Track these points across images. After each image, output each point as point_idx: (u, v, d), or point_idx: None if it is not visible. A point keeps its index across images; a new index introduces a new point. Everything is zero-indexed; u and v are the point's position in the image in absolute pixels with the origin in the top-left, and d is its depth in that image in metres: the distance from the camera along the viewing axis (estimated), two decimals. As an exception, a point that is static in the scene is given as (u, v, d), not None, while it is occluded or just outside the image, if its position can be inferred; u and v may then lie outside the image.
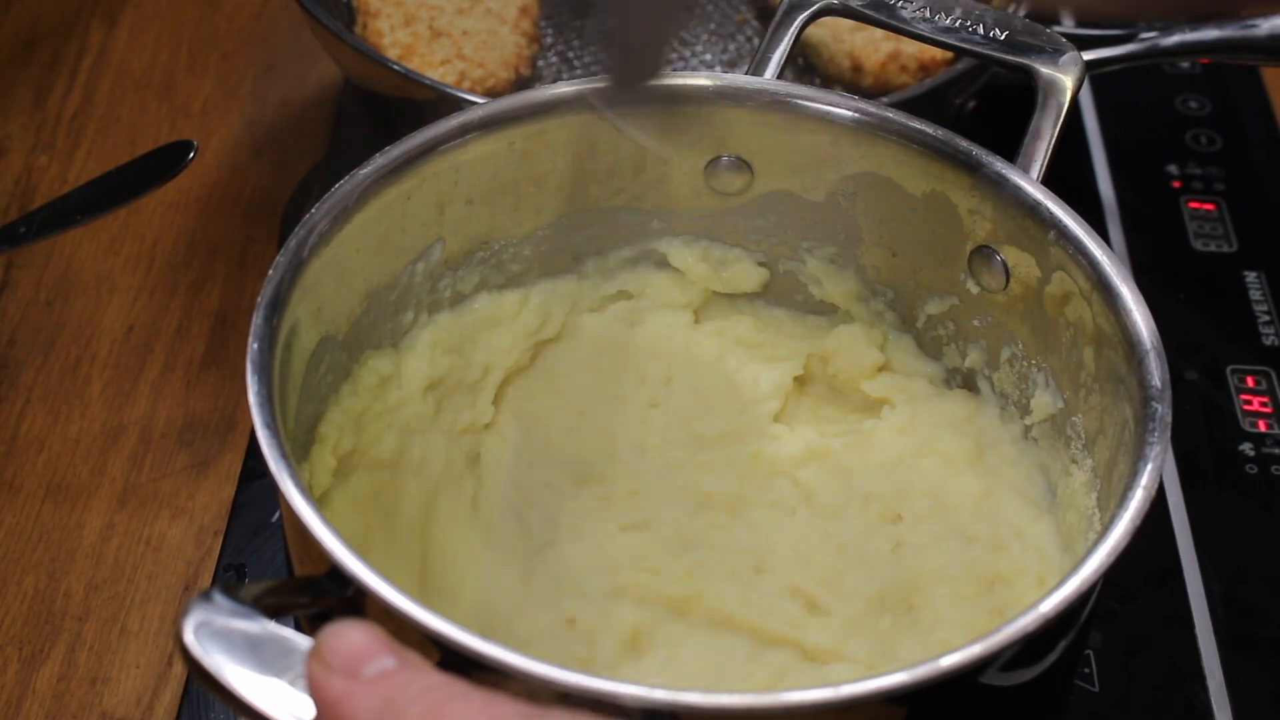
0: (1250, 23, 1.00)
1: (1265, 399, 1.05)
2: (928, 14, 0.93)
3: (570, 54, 1.21)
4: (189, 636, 0.60)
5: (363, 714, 0.56)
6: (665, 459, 0.89)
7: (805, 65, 1.18)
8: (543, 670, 0.62)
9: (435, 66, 1.12)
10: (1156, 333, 0.76)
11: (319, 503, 0.78)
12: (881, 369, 0.93)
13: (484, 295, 0.92)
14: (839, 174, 0.89)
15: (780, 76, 0.91)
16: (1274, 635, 0.94)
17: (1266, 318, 1.10)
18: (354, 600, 0.66)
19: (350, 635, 0.58)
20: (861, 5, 0.94)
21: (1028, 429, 0.87)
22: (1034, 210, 0.82)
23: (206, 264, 1.13)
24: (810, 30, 0.96)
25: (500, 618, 0.81)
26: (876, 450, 0.89)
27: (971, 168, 0.84)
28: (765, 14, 1.23)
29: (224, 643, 0.60)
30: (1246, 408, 1.05)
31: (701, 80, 0.89)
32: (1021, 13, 1.03)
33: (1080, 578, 0.68)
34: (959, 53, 0.94)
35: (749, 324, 0.94)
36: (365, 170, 0.82)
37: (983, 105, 1.12)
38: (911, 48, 1.12)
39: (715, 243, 0.94)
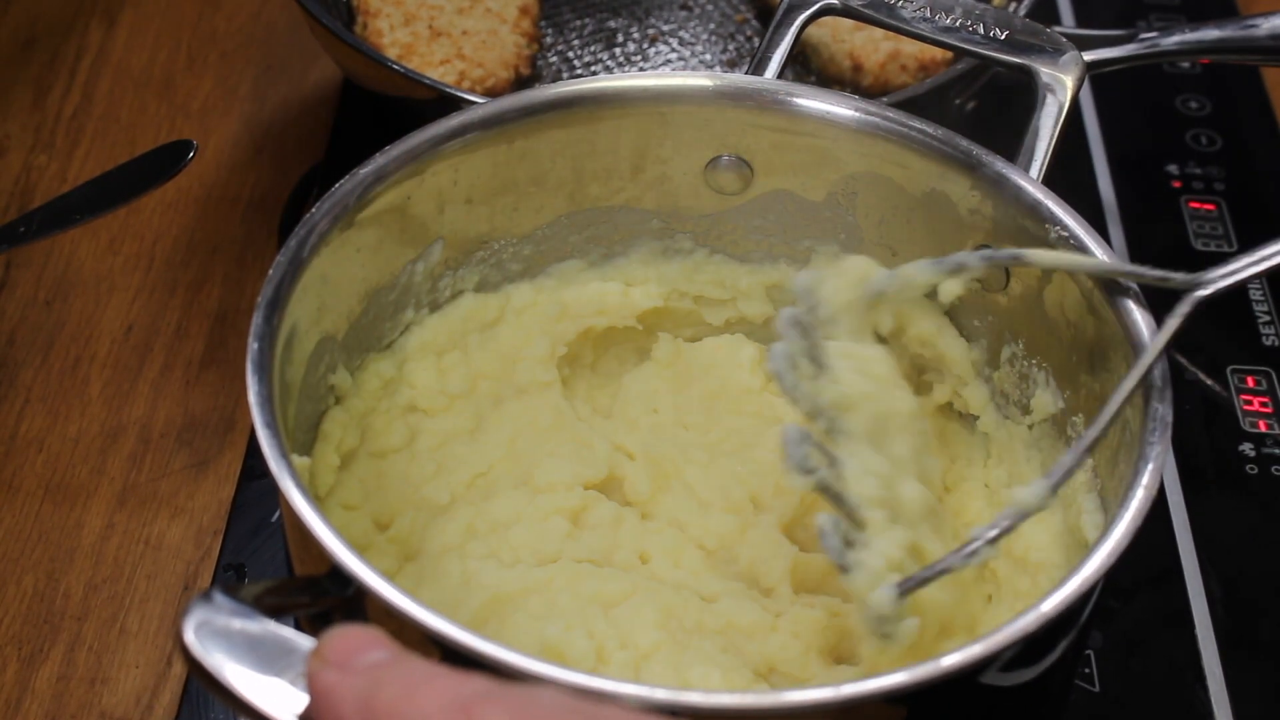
0: (1250, 23, 1.00)
1: (1265, 399, 1.05)
2: (928, 14, 0.93)
3: (570, 54, 1.21)
4: (189, 636, 0.60)
5: (348, 701, 0.57)
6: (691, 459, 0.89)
7: (805, 65, 1.18)
8: (543, 669, 0.62)
9: (435, 66, 1.12)
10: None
11: (320, 502, 0.78)
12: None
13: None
14: (839, 173, 0.89)
15: (780, 76, 0.91)
16: (1274, 635, 0.94)
17: (1266, 318, 1.10)
18: (354, 600, 0.66)
19: (350, 633, 0.59)
20: (862, 5, 0.94)
21: (1028, 429, 0.87)
22: (1034, 210, 0.82)
23: (206, 263, 1.13)
24: (810, 30, 0.96)
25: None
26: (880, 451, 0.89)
27: (971, 167, 0.84)
28: (765, 14, 1.23)
29: (224, 642, 0.60)
30: (1247, 408, 1.05)
31: (702, 80, 0.89)
32: (1022, 12, 1.03)
33: (1081, 577, 0.68)
34: (959, 52, 0.94)
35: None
36: (365, 170, 0.82)
37: (983, 105, 1.12)
38: (911, 47, 1.12)
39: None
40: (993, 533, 0.72)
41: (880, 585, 0.73)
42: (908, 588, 0.73)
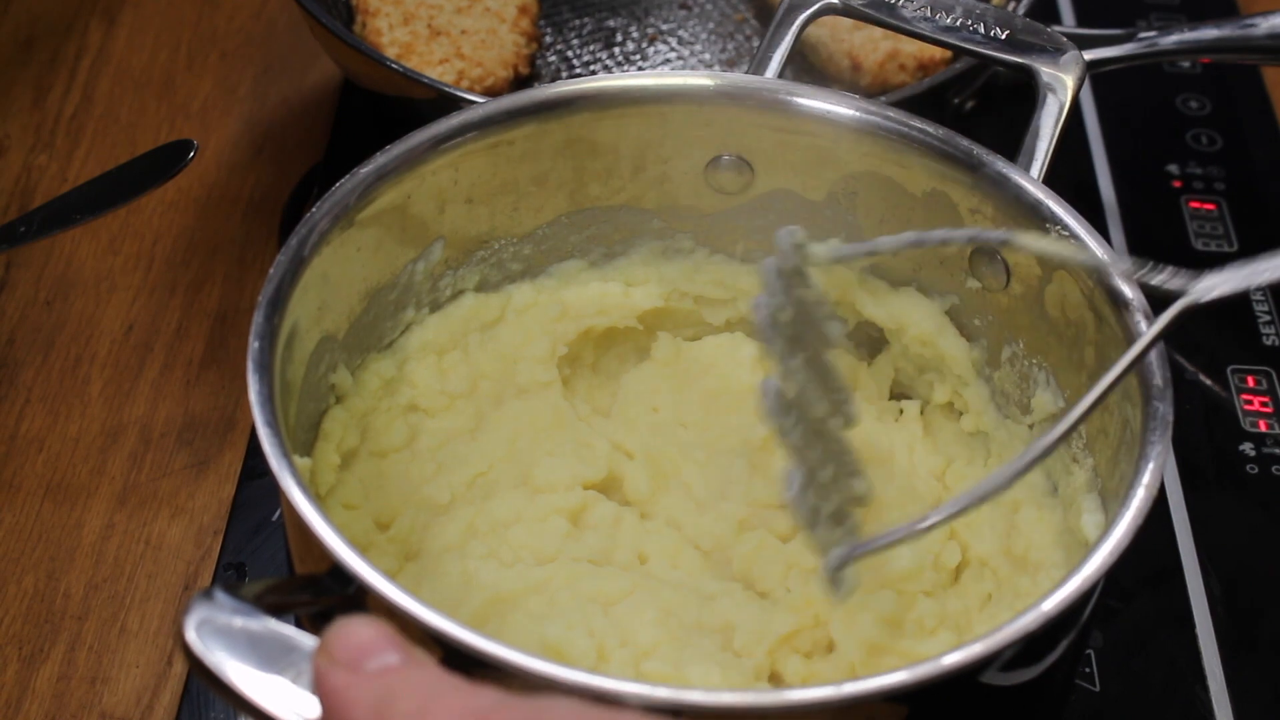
0: (1250, 22, 1.00)
1: (1266, 399, 1.05)
2: (929, 13, 0.93)
3: (569, 53, 1.21)
4: (191, 634, 0.60)
5: (360, 706, 0.57)
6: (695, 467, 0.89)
7: (804, 64, 1.18)
8: (543, 668, 0.62)
9: (434, 65, 1.12)
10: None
11: (320, 501, 0.78)
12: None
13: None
14: (839, 173, 0.89)
15: (780, 76, 0.91)
16: (1274, 635, 0.94)
17: (1267, 318, 1.10)
18: (355, 598, 0.66)
19: (357, 630, 0.59)
20: (863, 4, 0.94)
21: (1029, 428, 0.87)
22: (1035, 209, 0.82)
23: (206, 263, 1.13)
24: (809, 29, 0.96)
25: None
26: (880, 451, 0.89)
27: (972, 167, 0.84)
28: (764, 13, 1.23)
29: (225, 640, 0.60)
30: (1247, 408, 1.05)
31: (702, 80, 0.89)
32: (1021, 11, 1.03)
33: (1081, 577, 0.68)
34: (960, 52, 0.94)
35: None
36: (366, 169, 0.83)
37: (982, 105, 1.12)
38: (910, 47, 1.12)
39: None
40: (942, 515, 0.72)
41: (836, 546, 0.74)
42: (858, 555, 0.74)
